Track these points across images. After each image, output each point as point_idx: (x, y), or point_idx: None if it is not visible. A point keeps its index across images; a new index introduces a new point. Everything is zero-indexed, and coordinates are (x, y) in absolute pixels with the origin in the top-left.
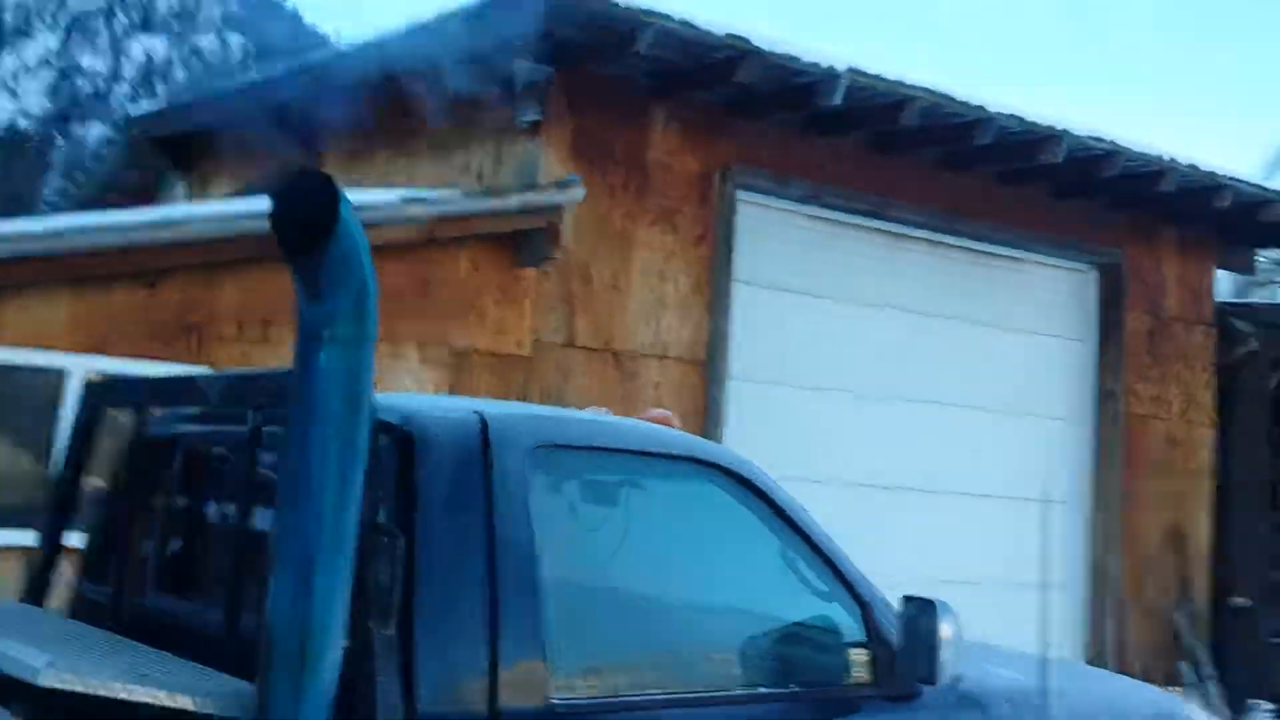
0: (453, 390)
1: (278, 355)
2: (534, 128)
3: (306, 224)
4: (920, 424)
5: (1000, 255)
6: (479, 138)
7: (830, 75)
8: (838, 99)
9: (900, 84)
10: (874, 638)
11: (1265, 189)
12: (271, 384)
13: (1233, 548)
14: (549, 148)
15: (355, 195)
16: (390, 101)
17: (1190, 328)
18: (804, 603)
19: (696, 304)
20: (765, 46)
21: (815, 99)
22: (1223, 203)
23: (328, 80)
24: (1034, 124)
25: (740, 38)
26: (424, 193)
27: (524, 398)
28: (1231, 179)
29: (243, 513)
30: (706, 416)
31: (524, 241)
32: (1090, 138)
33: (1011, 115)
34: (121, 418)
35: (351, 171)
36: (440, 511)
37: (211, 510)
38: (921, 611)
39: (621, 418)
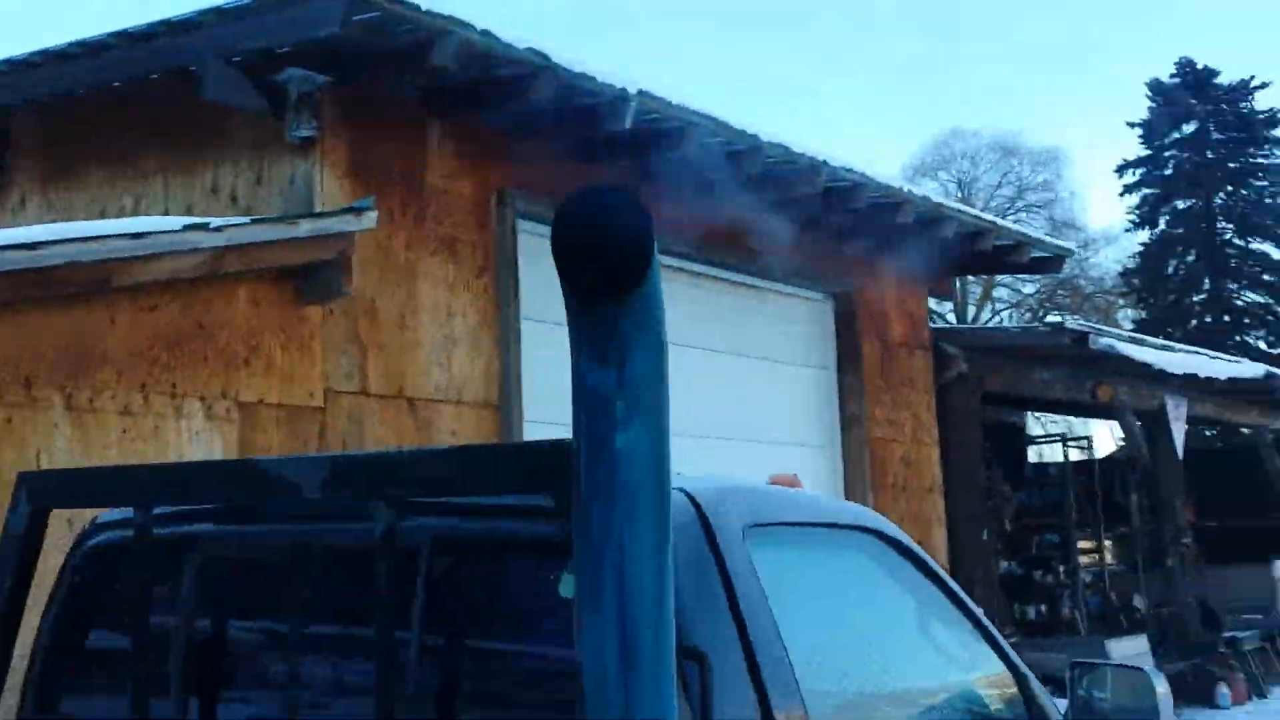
0: (243, 452)
1: (47, 422)
2: (306, 144)
3: (614, 265)
4: (701, 460)
5: (752, 286)
6: (233, 154)
7: (621, 98)
8: (627, 123)
9: (686, 109)
10: (1033, 709)
11: (982, 218)
12: (425, 467)
13: (958, 558)
14: (324, 167)
15: (129, 222)
16: (110, 109)
17: (912, 353)
18: (969, 661)
19: (486, 342)
20: (564, 64)
21: (603, 123)
22: (946, 232)
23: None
24: (799, 154)
25: (541, 53)
26: (207, 219)
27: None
28: (957, 209)
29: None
30: None
31: (309, 275)
32: (843, 169)
33: (777, 145)
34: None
35: (50, 192)
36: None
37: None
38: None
39: (797, 489)
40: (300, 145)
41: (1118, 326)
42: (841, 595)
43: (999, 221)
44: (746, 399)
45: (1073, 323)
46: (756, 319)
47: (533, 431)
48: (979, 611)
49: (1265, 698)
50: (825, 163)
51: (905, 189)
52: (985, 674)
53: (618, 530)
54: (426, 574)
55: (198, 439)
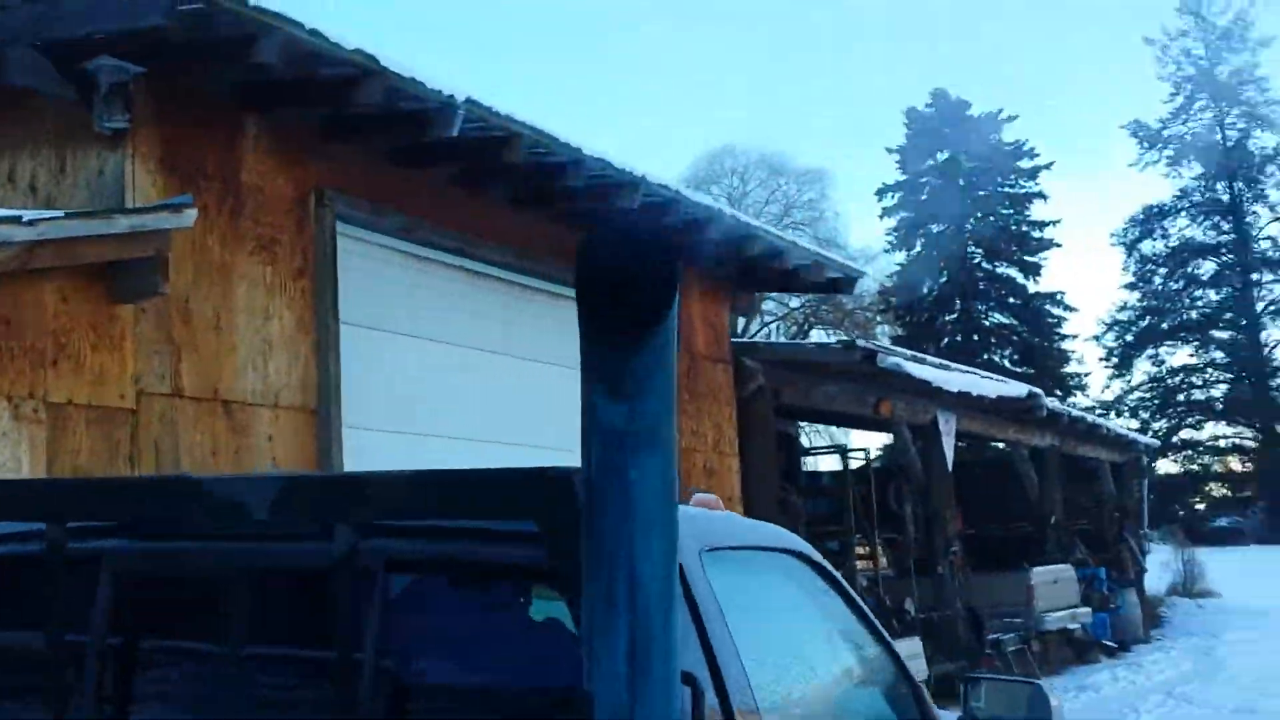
0: (52, 453)
1: None
2: (117, 136)
3: (639, 303)
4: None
5: (563, 295)
6: (35, 142)
7: (449, 105)
8: (454, 130)
9: (511, 119)
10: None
11: (783, 239)
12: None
13: None
14: (135, 160)
15: None
16: None
17: (715, 365)
18: (876, 673)
19: (304, 345)
20: (392, 67)
21: (429, 128)
22: (752, 250)
23: None
24: (619, 170)
25: (369, 55)
26: (19, 212)
27: (132, 456)
28: (762, 229)
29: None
30: (321, 469)
31: (123, 273)
32: (659, 185)
33: (599, 159)
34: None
35: None
36: None
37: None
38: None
39: (726, 512)
40: (110, 136)
41: (876, 341)
42: (777, 613)
43: (799, 242)
44: (555, 406)
45: (862, 342)
46: (557, 324)
47: (352, 438)
48: (880, 626)
49: None
50: (644, 178)
51: (717, 207)
52: (888, 684)
53: (631, 559)
54: (385, 597)
55: (4, 440)
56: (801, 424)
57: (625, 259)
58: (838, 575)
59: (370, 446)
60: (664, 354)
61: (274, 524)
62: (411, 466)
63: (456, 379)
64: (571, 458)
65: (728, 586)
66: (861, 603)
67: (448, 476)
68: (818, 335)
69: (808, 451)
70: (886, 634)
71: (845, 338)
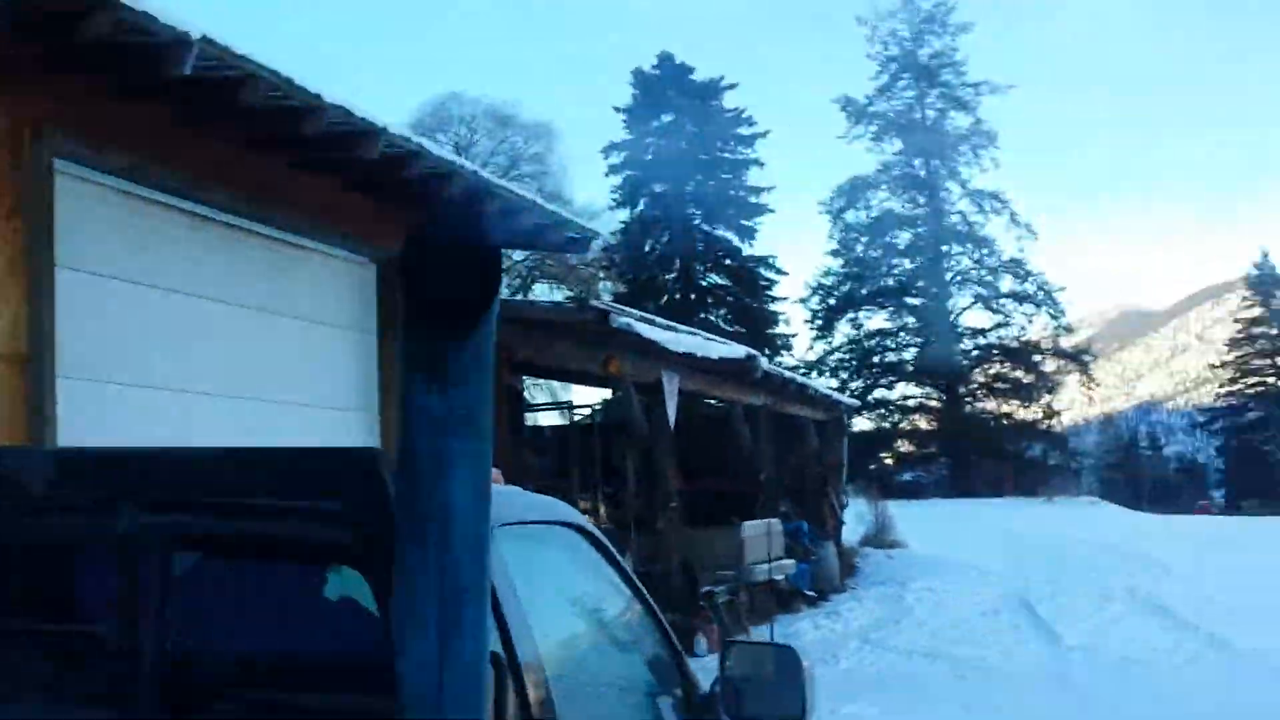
0: None
1: None
2: None
3: (464, 300)
4: (251, 423)
5: (297, 245)
6: None
7: (182, 41)
8: (187, 68)
9: (248, 60)
10: (687, 679)
11: (525, 197)
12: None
13: None
14: None
15: None
16: None
17: None
18: (645, 639)
19: (13, 290)
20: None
21: (161, 65)
22: (491, 207)
23: None
24: (359, 119)
25: None
26: None
27: None
28: (502, 186)
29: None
30: (31, 421)
31: None
32: (401, 137)
33: (340, 107)
34: None
35: None
36: None
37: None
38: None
39: (511, 487)
40: None
41: (599, 298)
42: (561, 586)
43: (539, 200)
44: (284, 359)
45: (595, 302)
46: (297, 278)
47: (68, 389)
48: (648, 595)
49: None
50: (385, 129)
51: (458, 163)
52: (656, 649)
53: (445, 541)
54: (170, 574)
55: None
56: (525, 378)
57: (450, 254)
58: (610, 547)
59: (91, 398)
60: (484, 346)
61: (57, 498)
62: (126, 419)
63: (186, 329)
64: (302, 411)
65: (517, 561)
66: (631, 573)
67: (250, 454)
68: (541, 289)
69: (530, 407)
70: (653, 601)
71: (577, 296)
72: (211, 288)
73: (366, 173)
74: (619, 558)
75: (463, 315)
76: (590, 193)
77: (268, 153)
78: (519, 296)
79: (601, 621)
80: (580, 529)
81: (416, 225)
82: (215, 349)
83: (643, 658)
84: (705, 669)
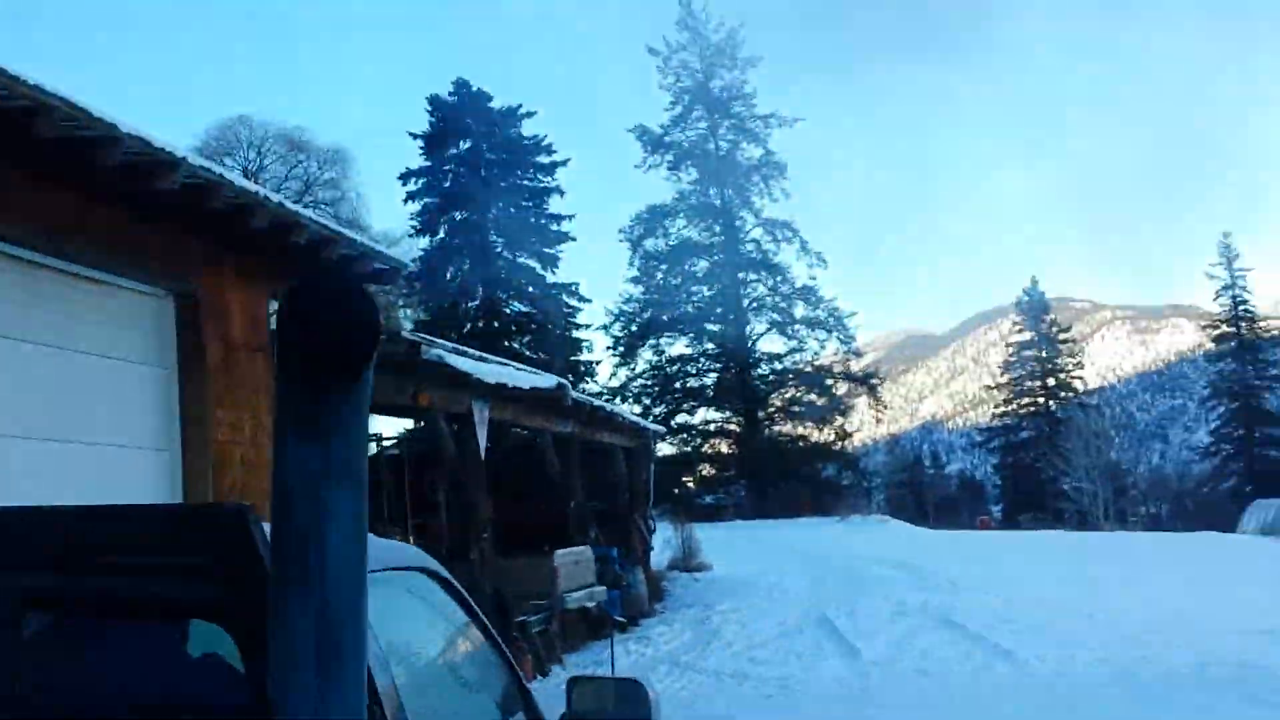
0: None
1: None
2: None
3: (344, 358)
4: (43, 463)
5: (91, 279)
6: None
7: None
8: None
9: (41, 90)
10: (534, 714)
11: (329, 228)
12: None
13: None
14: None
15: None
16: None
17: (253, 355)
18: (495, 678)
19: None
20: None
21: None
22: (298, 239)
23: None
24: (158, 149)
25: None
26: None
27: None
28: (310, 218)
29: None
30: None
31: None
32: (201, 167)
33: (138, 137)
34: None
35: None
36: None
37: None
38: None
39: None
40: None
41: (399, 325)
42: (417, 631)
43: (344, 232)
44: (78, 397)
45: (406, 334)
46: (92, 313)
47: None
48: (496, 634)
49: (547, 675)
50: (185, 159)
51: (261, 193)
52: (504, 688)
53: (322, 594)
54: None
55: None
56: None
57: (329, 312)
58: (461, 590)
59: None
60: (362, 398)
61: None
62: None
63: None
64: (98, 451)
65: (376, 609)
66: (481, 615)
67: (114, 511)
68: None
69: None
70: (501, 642)
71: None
72: (0, 323)
73: (165, 204)
74: (468, 599)
75: (342, 368)
76: (388, 220)
77: (61, 183)
78: None
79: (454, 664)
80: (432, 573)
81: (296, 280)
82: (3, 386)
83: (493, 697)
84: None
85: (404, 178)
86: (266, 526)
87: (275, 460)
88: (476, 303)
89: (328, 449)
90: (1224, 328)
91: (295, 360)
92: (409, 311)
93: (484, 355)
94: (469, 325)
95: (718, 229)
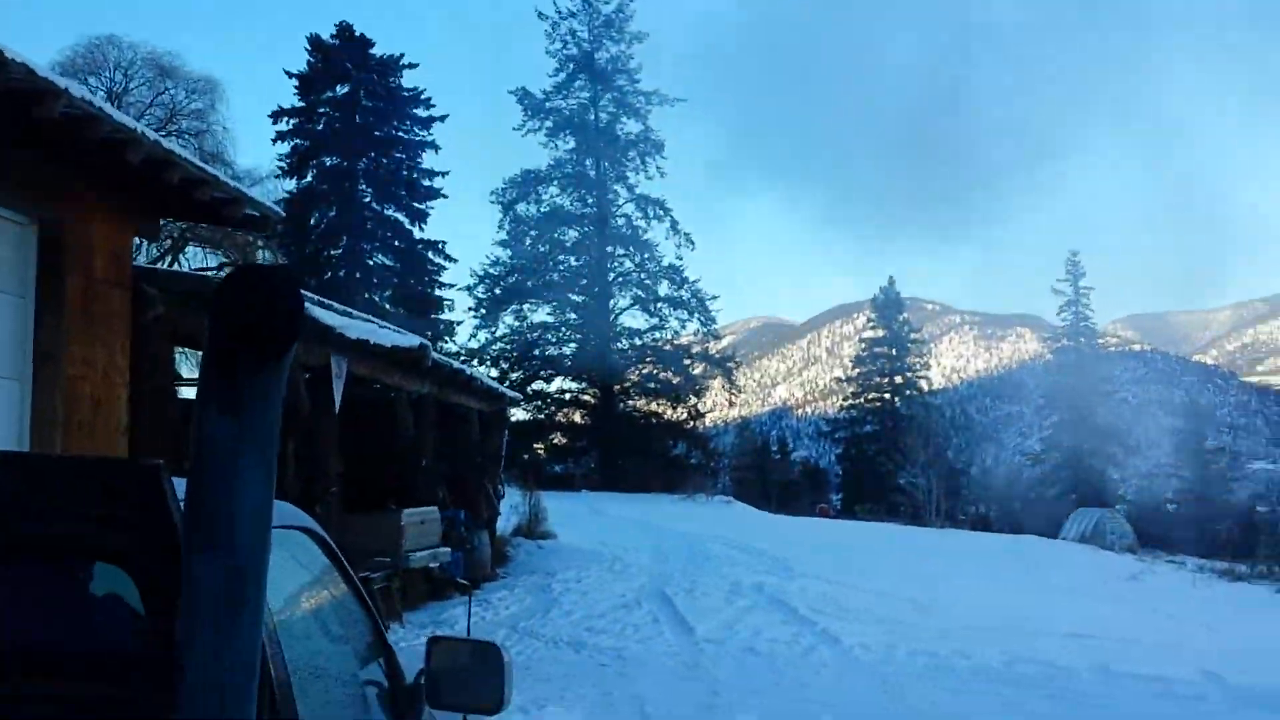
0: None
1: None
2: None
3: (270, 341)
4: None
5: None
6: None
7: None
8: None
9: None
10: (395, 673)
11: (206, 170)
12: None
13: None
14: None
15: None
16: None
17: (113, 291)
18: (363, 635)
19: None
20: None
21: None
22: (171, 178)
23: None
24: (43, 79)
25: None
26: None
27: None
28: (184, 159)
29: None
30: None
31: None
32: (82, 99)
33: (23, 64)
34: None
35: None
36: None
37: None
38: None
39: None
40: None
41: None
42: (295, 588)
43: (220, 177)
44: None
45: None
46: None
47: None
48: (365, 594)
49: (387, 630)
50: (66, 90)
51: (139, 129)
52: (369, 645)
53: (231, 550)
54: None
55: None
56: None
57: (257, 299)
58: (335, 548)
59: None
60: (278, 379)
61: None
62: None
63: None
64: None
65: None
66: (352, 572)
67: (37, 460)
68: (194, 254)
69: (180, 379)
70: (369, 599)
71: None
72: None
73: (39, 132)
74: (342, 558)
75: (264, 351)
76: (255, 158)
77: None
78: (168, 260)
79: (324, 617)
80: (310, 532)
81: (230, 272)
82: None
83: (357, 653)
84: None
85: (275, 116)
86: (177, 483)
87: (196, 427)
88: (340, 251)
89: (244, 422)
90: (1065, 341)
91: (224, 339)
92: (268, 254)
93: (348, 310)
94: (330, 274)
95: (590, 200)
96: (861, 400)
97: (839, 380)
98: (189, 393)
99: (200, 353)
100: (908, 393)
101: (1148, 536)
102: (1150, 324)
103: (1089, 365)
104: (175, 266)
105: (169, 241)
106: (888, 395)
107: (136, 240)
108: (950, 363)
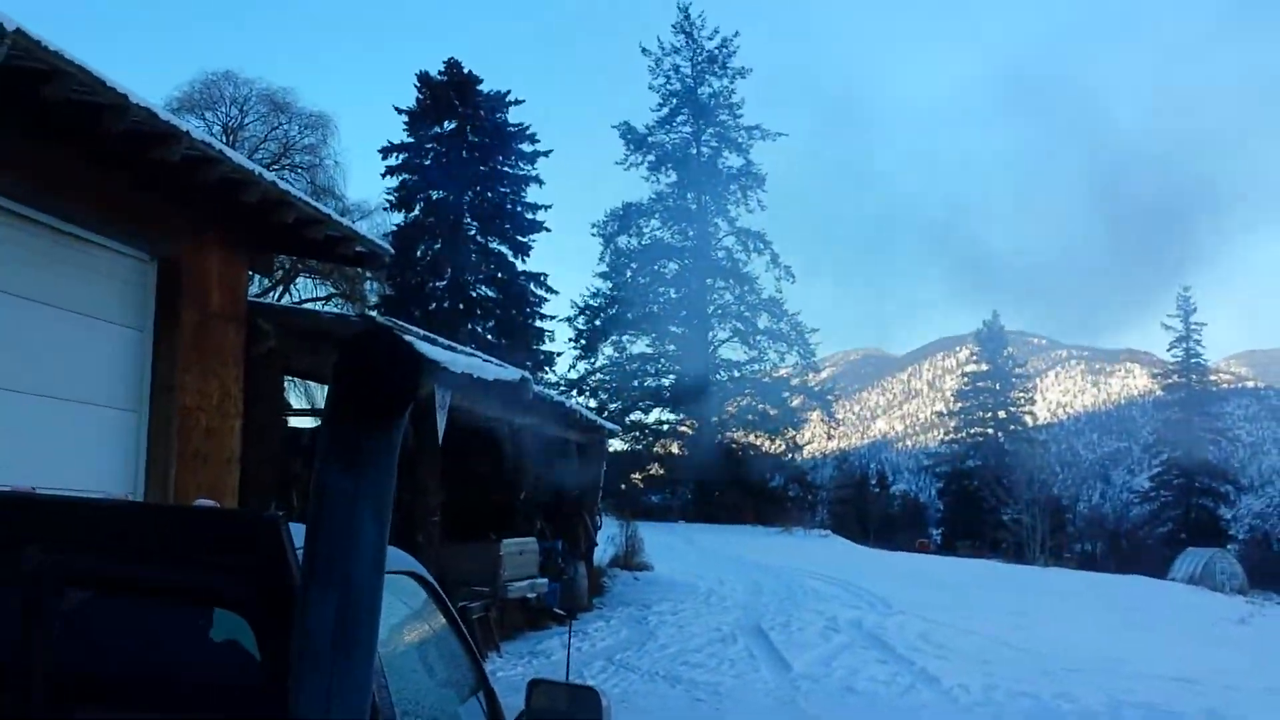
0: None
1: None
2: None
3: (383, 399)
4: (11, 416)
5: (78, 236)
6: None
7: None
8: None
9: (60, 55)
10: (496, 714)
11: (320, 210)
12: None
13: None
14: None
15: None
16: None
17: (228, 325)
18: (467, 675)
19: None
20: None
21: None
22: (285, 218)
23: None
24: (163, 121)
25: None
26: None
27: None
28: (299, 198)
29: None
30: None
31: None
32: (203, 142)
33: (145, 108)
34: None
35: None
36: None
37: None
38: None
39: None
40: None
41: (364, 299)
42: (406, 633)
43: (332, 215)
44: (53, 352)
45: (379, 317)
46: (75, 270)
47: None
48: (466, 632)
49: (484, 660)
50: (187, 133)
51: (257, 171)
52: (473, 688)
53: (346, 600)
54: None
55: None
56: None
57: (377, 364)
58: (439, 589)
59: None
60: (394, 441)
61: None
62: None
63: None
64: (67, 407)
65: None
66: (456, 616)
67: (165, 511)
68: (304, 285)
69: (289, 409)
70: (471, 639)
71: (356, 309)
72: None
73: (160, 171)
74: (446, 600)
75: (383, 413)
76: (364, 191)
77: (60, 143)
78: (279, 291)
79: (430, 662)
80: (416, 576)
81: (358, 331)
82: None
83: (459, 694)
84: None
85: (385, 152)
86: (295, 529)
87: (315, 483)
88: (444, 283)
89: (362, 478)
90: (1175, 377)
91: (344, 401)
92: (375, 285)
93: (452, 344)
94: (434, 305)
95: (691, 233)
96: (963, 434)
97: (940, 414)
98: (296, 422)
99: (309, 383)
100: (1011, 427)
101: (1259, 577)
102: (1265, 360)
103: (1200, 402)
104: (286, 298)
105: (280, 273)
106: (990, 430)
107: (249, 273)
108: (1056, 398)
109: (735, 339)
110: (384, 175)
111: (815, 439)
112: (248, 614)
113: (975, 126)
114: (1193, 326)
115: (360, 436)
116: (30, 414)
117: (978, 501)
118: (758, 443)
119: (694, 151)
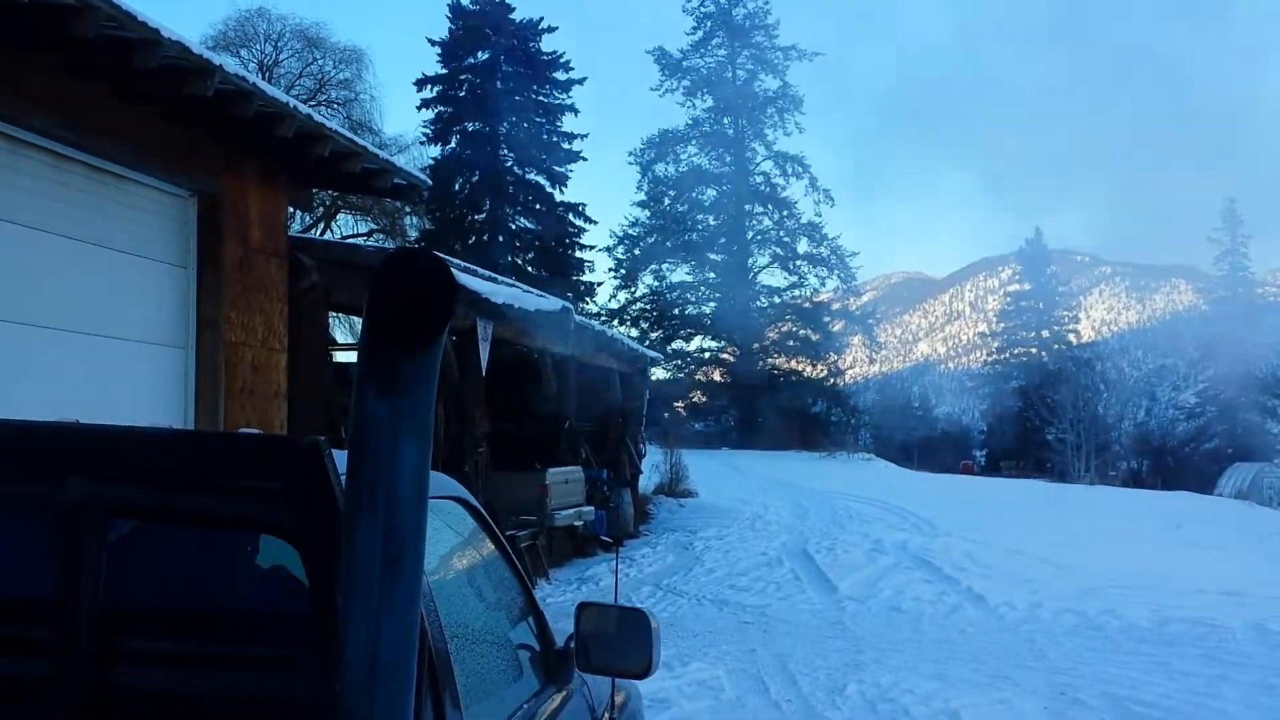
0: None
1: None
2: None
3: (418, 320)
4: (42, 351)
5: (117, 175)
6: None
7: None
8: None
9: None
10: (546, 637)
11: (355, 143)
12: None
13: None
14: None
15: None
16: None
17: (269, 260)
18: (516, 600)
19: None
20: None
21: None
22: (321, 150)
23: None
24: (196, 56)
25: None
26: None
27: None
28: (334, 131)
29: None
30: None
31: None
32: (237, 76)
33: (178, 43)
34: None
35: None
36: None
37: None
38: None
39: None
40: None
41: (404, 234)
42: (451, 556)
43: (369, 148)
44: (96, 290)
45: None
46: (115, 209)
47: None
48: (516, 561)
49: (534, 587)
50: (220, 67)
51: (291, 104)
52: (522, 611)
53: (389, 524)
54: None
55: None
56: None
57: (412, 286)
58: (486, 515)
59: None
60: (433, 361)
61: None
62: None
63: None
64: (111, 345)
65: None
66: (505, 541)
67: (206, 438)
68: (344, 220)
69: (334, 344)
70: (520, 564)
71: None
72: (26, 213)
73: (195, 107)
74: (493, 525)
75: (419, 334)
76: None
77: (92, 80)
78: (321, 228)
79: (481, 588)
80: (463, 501)
81: (385, 259)
82: (24, 275)
83: (509, 618)
84: None
85: (419, 84)
86: (338, 455)
87: (355, 407)
88: (483, 216)
89: (401, 402)
90: (1221, 291)
91: (380, 325)
92: (414, 219)
93: (493, 275)
94: (473, 238)
95: (729, 159)
96: (1007, 355)
97: (983, 335)
98: (342, 357)
99: (353, 318)
100: (1055, 347)
101: None
102: None
103: (1247, 315)
104: (328, 234)
105: (321, 210)
106: (1034, 350)
107: (290, 209)
108: (1100, 315)
109: (775, 264)
110: (419, 108)
111: (857, 363)
112: (292, 538)
113: (1017, 41)
114: (1239, 239)
115: (397, 361)
116: (82, 353)
117: (1022, 422)
118: (799, 368)
119: (729, 75)
